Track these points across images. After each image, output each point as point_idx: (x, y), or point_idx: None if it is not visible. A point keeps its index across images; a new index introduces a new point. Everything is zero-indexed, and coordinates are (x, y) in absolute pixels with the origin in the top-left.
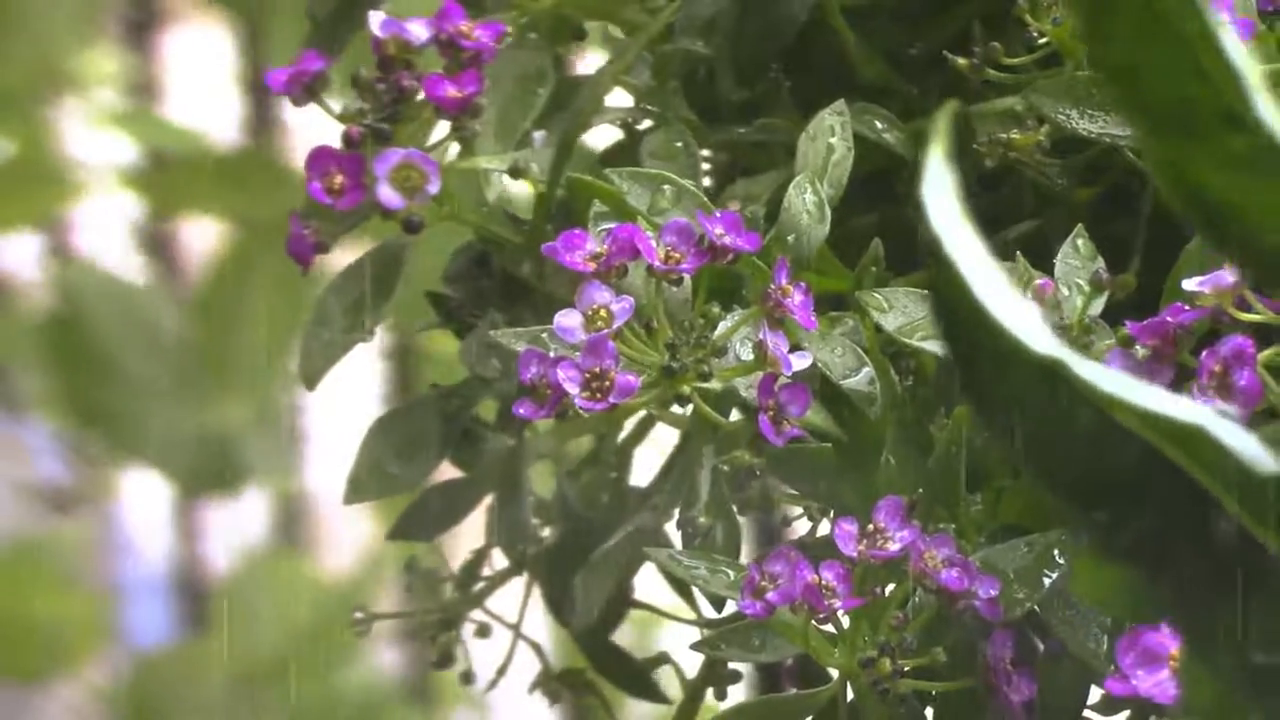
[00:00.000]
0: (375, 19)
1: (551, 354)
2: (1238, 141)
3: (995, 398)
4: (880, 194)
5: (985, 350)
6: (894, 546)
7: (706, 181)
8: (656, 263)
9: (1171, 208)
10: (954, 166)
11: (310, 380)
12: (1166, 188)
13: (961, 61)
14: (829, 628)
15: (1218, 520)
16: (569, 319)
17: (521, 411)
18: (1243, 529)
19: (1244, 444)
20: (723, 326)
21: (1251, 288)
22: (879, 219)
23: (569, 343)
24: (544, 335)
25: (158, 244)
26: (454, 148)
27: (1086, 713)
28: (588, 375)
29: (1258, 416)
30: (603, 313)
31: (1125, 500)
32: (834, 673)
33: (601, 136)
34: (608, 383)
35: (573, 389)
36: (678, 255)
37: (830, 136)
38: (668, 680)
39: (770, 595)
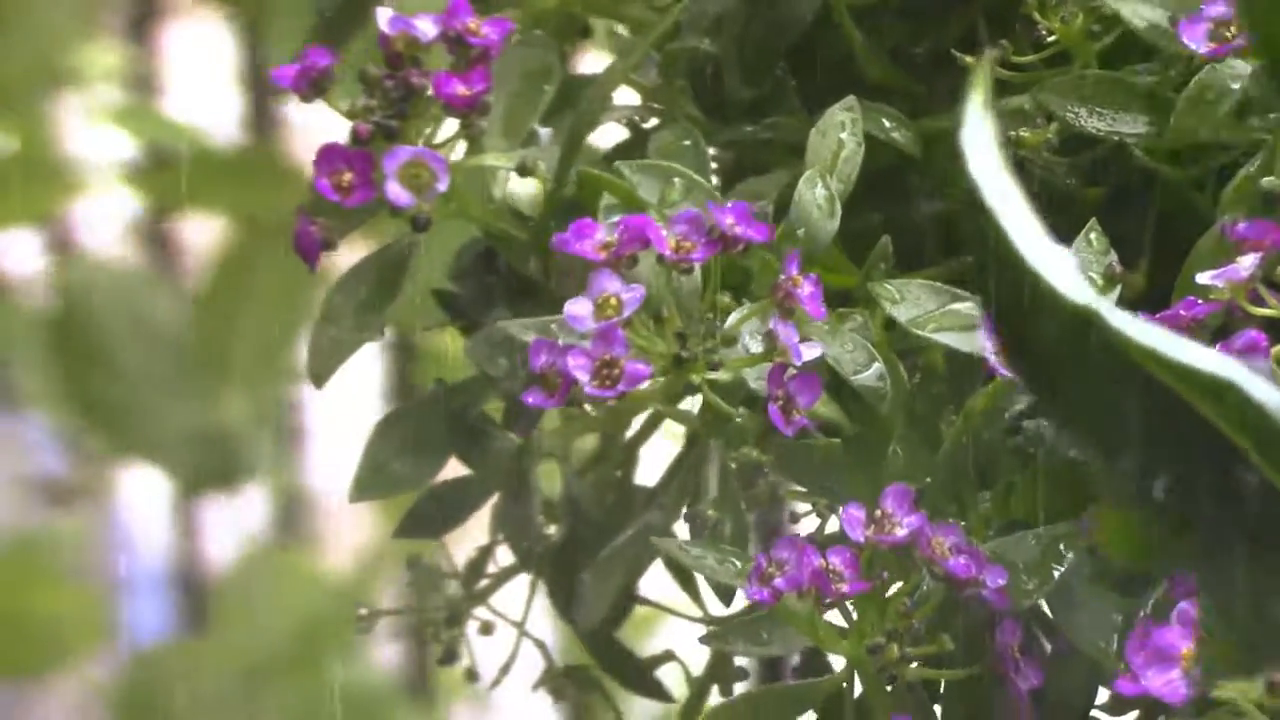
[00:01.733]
0: (383, 15)
1: (561, 343)
2: None
3: (1030, 346)
4: (888, 193)
5: (1022, 298)
6: (901, 532)
7: (713, 180)
8: (667, 252)
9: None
10: (992, 115)
11: (319, 378)
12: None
13: (969, 60)
14: (837, 618)
15: (1244, 474)
16: (579, 307)
17: (531, 400)
18: (1268, 483)
19: (1272, 398)
20: (733, 317)
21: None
22: (886, 217)
23: (579, 331)
24: (553, 326)
25: (158, 240)
26: (461, 145)
27: (1094, 713)
28: (598, 363)
29: None
30: (613, 301)
31: (1153, 451)
32: (839, 666)
33: (608, 135)
34: (618, 371)
35: (583, 376)
36: (688, 245)
37: (841, 132)
38: (673, 678)
39: (777, 581)
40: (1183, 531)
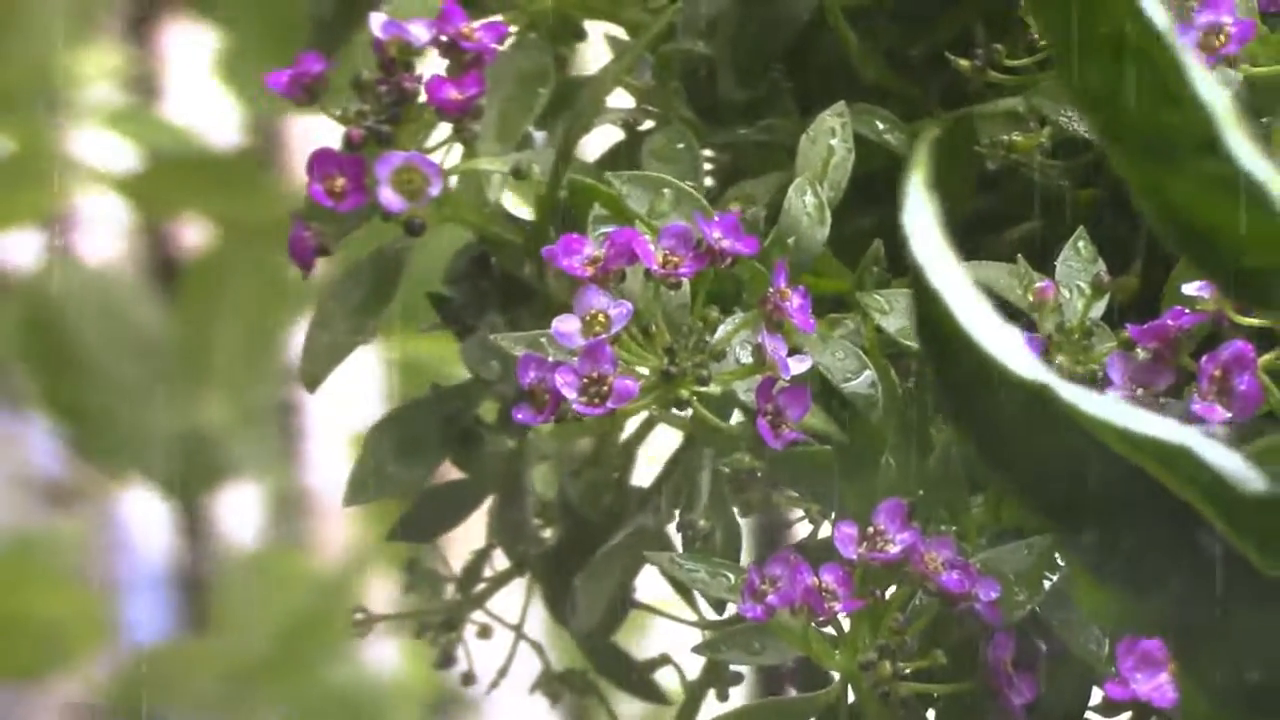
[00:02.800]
0: (376, 20)
1: (550, 359)
2: (1213, 166)
3: (981, 423)
4: (881, 195)
5: (970, 376)
6: (894, 549)
7: (708, 182)
8: (655, 267)
9: (1154, 231)
10: (935, 195)
11: (312, 383)
12: (1149, 212)
13: (963, 63)
14: (830, 630)
15: (1206, 539)
16: (567, 324)
17: (520, 416)
18: (1230, 547)
19: (1229, 463)
20: (721, 330)
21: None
22: (880, 220)
23: (567, 347)
24: (543, 340)
25: (153, 244)
26: (455, 149)
27: (1088, 715)
28: (586, 380)
29: (1259, 420)
30: (600, 318)
31: (1113, 520)
32: (835, 675)
33: (603, 137)
34: (606, 388)
35: (571, 394)
36: (676, 259)
37: (830, 138)
38: (669, 681)
39: (770, 598)
40: (1149, 598)
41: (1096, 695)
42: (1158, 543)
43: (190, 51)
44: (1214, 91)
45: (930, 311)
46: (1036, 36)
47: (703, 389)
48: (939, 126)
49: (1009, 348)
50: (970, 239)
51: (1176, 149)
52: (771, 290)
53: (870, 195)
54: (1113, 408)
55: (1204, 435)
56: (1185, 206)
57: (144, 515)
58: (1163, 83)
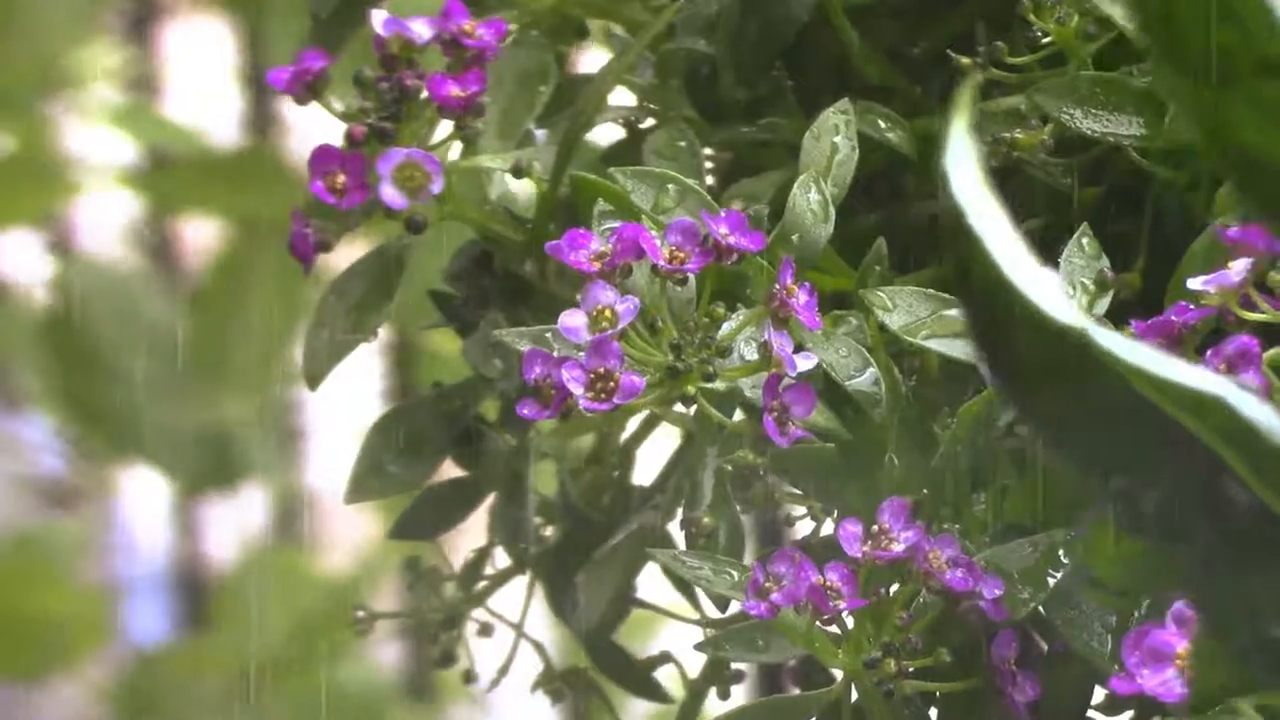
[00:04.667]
0: (378, 17)
1: (556, 354)
2: (1272, 89)
3: (1017, 368)
4: (884, 193)
5: (1008, 320)
6: (898, 547)
7: (709, 180)
8: (662, 262)
9: (1208, 162)
10: (976, 138)
11: (313, 381)
12: (1204, 139)
13: (965, 61)
14: (833, 628)
15: (1236, 492)
16: (574, 319)
17: (525, 412)
18: (1260, 501)
19: (1262, 415)
20: (727, 326)
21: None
22: (883, 218)
23: (574, 343)
24: (548, 335)
25: (157, 241)
26: (456, 146)
27: (1090, 713)
28: (592, 376)
29: None
30: (607, 313)
31: (1145, 471)
32: (838, 673)
33: (604, 135)
34: (613, 383)
35: (577, 389)
36: (683, 255)
37: (835, 135)
38: (670, 679)
39: (775, 596)
40: (1173, 550)
41: (1098, 694)
42: (1187, 494)
43: (190, 50)
44: (1276, 9)
45: (969, 253)
46: (1038, 34)
47: (709, 385)
48: (941, 123)
49: (1047, 292)
50: None
51: (1234, 69)
52: (778, 287)
53: (872, 193)
54: (1148, 355)
55: (1238, 387)
56: (1241, 130)
57: (145, 514)
58: None
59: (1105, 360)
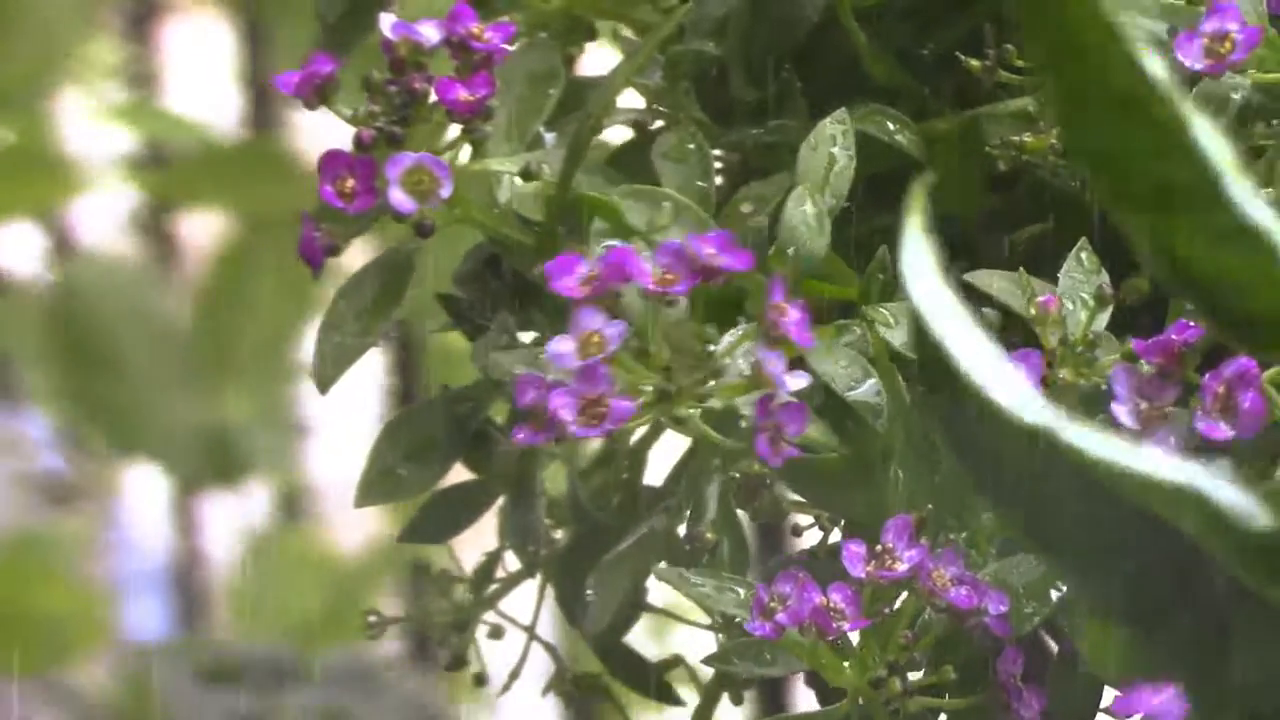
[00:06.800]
0: (386, 21)
1: (549, 377)
2: (1219, 218)
3: (984, 463)
4: (892, 196)
5: (972, 418)
6: (902, 567)
7: (719, 182)
8: (650, 285)
9: (1160, 283)
10: (932, 238)
11: (324, 384)
12: (1156, 265)
13: (974, 63)
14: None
15: (1213, 577)
16: (562, 345)
17: (521, 436)
18: (1238, 584)
19: (1235, 500)
20: (721, 345)
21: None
22: (889, 222)
23: (563, 368)
24: (541, 356)
25: (159, 236)
26: (465, 149)
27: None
28: (583, 402)
29: (1273, 429)
30: (595, 339)
31: (1118, 558)
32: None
33: (613, 138)
34: (603, 408)
35: (568, 416)
36: (672, 277)
37: (832, 146)
38: (682, 683)
39: (779, 616)
40: (1157, 638)
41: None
42: (1165, 580)
43: (191, 47)
44: (1216, 143)
45: (931, 358)
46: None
47: (703, 405)
48: (949, 126)
49: (1011, 390)
50: (980, 240)
51: (1181, 201)
52: (769, 305)
53: (880, 197)
54: (1117, 449)
55: (1210, 469)
56: (1192, 257)
57: (145, 514)
58: (1164, 137)
59: (1073, 457)
